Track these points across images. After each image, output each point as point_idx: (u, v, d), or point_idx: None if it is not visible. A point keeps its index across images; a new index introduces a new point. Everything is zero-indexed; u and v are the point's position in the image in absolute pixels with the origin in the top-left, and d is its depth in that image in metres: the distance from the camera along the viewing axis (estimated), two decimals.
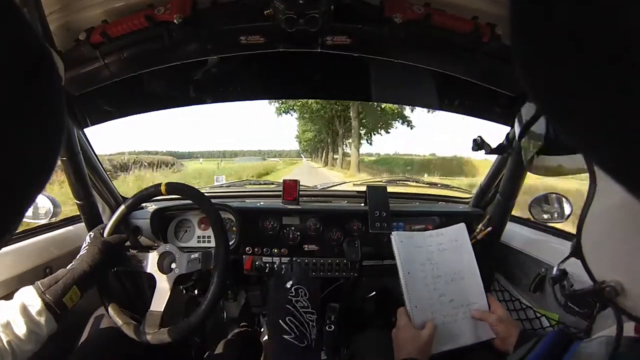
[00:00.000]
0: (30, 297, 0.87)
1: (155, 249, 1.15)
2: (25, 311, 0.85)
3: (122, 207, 1.15)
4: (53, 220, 1.30)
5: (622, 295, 0.47)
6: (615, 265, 0.49)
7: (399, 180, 1.73)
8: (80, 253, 1.05)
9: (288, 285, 0.89)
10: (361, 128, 19.10)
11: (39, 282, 0.91)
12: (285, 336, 0.76)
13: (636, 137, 0.19)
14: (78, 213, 1.35)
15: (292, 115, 21.02)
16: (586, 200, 0.50)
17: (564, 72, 0.20)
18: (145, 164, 14.49)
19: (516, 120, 0.86)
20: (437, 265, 1.12)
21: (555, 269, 0.68)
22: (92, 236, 1.09)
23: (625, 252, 0.48)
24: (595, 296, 0.50)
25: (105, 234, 1.11)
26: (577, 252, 0.53)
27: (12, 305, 0.85)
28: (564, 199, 1.32)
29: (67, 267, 0.99)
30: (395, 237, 1.13)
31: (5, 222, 0.26)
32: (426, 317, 1.03)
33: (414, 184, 1.72)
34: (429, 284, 1.09)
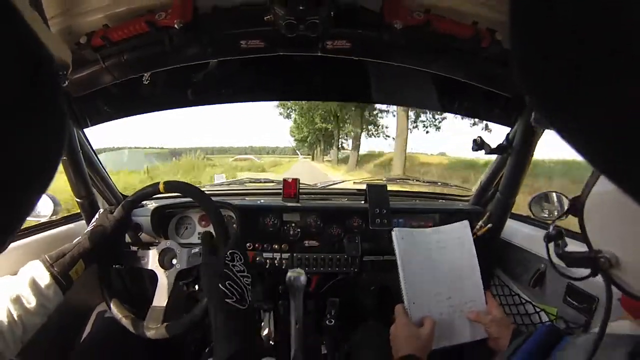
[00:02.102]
0: (38, 271, 0.90)
1: (156, 246, 1.17)
2: (34, 285, 0.87)
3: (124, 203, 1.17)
4: (54, 218, 1.30)
5: (616, 267, 0.48)
6: (614, 238, 0.49)
7: (399, 179, 1.74)
8: (88, 229, 1.08)
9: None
10: None
11: (46, 256, 0.93)
12: (227, 300, 0.77)
13: (636, 133, 0.19)
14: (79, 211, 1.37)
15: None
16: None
17: (564, 68, 0.20)
18: None
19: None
20: (436, 262, 1.12)
21: (551, 227, 0.66)
22: (100, 213, 1.13)
23: (626, 226, 0.48)
24: (589, 263, 0.50)
25: (114, 214, 1.14)
26: (577, 210, 0.52)
27: (21, 280, 0.87)
28: (563, 197, 1.32)
29: (74, 242, 1.01)
30: (397, 233, 1.13)
31: (7, 222, 0.27)
32: (424, 314, 1.03)
33: (414, 182, 1.72)
34: (427, 280, 1.09)
